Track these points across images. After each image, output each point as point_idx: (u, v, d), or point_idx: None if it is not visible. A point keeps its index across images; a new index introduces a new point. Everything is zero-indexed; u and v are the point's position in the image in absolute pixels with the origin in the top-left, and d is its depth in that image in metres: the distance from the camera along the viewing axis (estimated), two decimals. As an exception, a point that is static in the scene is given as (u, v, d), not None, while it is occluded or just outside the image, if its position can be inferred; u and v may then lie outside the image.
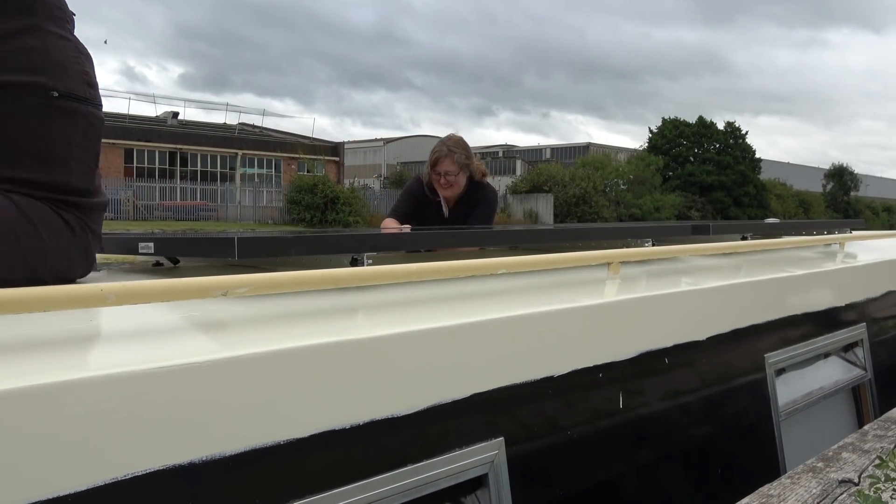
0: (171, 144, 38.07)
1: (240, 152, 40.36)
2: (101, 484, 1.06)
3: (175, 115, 43.95)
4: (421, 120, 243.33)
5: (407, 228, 3.61)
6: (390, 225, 3.69)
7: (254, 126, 47.59)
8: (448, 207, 3.78)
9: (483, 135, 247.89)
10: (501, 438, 1.64)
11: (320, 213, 34.05)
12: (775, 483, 1.71)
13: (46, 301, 1.18)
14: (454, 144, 3.67)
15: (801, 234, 3.95)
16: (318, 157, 41.61)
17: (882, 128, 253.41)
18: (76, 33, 1.74)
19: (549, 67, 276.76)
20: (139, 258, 2.31)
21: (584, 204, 40.17)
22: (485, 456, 1.60)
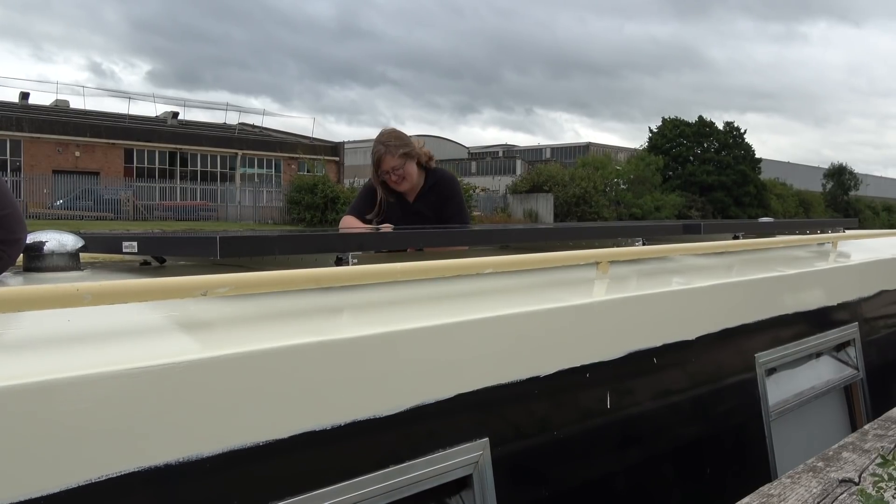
0: (171, 144, 38.03)
1: (240, 152, 40.33)
2: (74, 486, 1.05)
3: (175, 115, 43.94)
4: (404, 118, 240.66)
5: (356, 222, 3.52)
6: (351, 223, 3.56)
7: (254, 126, 47.56)
8: (409, 201, 3.65)
9: (470, 133, 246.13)
10: (486, 439, 1.63)
11: (320, 213, 34.06)
12: (776, 483, 1.71)
13: (21, 301, 1.18)
14: (388, 138, 3.56)
15: (793, 234, 3.94)
16: (318, 157, 41.59)
17: (872, 126, 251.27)
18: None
19: (525, 63, 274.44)
20: (126, 257, 2.30)
21: (584, 204, 40.11)
22: (469, 456, 1.59)
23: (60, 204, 31.85)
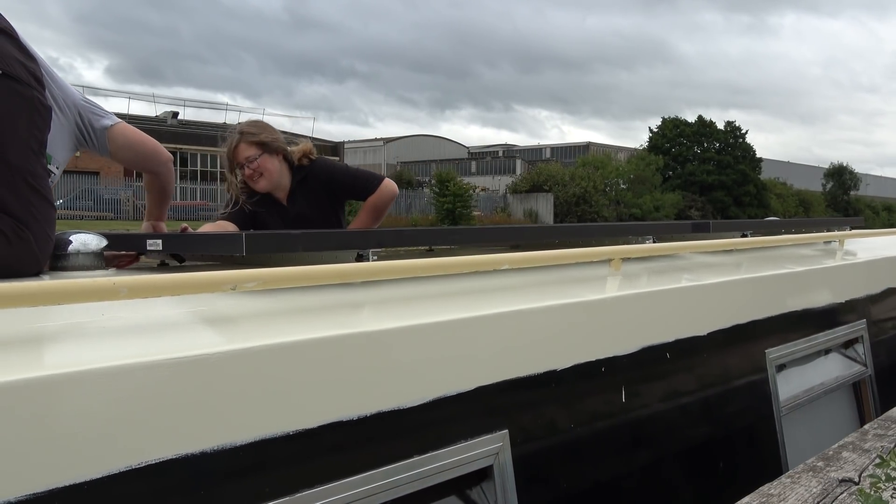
0: (171, 144, 38.10)
1: (240, 152, 40.33)
2: (115, 472, 1.08)
3: (175, 114, 44.01)
4: (383, 114, 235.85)
5: (231, 227, 3.00)
6: (225, 227, 3.01)
7: (254, 126, 47.49)
8: (284, 205, 3.11)
9: (452, 129, 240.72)
10: (506, 431, 1.66)
11: (320, 213, 34.08)
12: (775, 482, 1.73)
13: (60, 294, 1.21)
14: (245, 126, 3.08)
15: (800, 233, 3.97)
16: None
17: (860, 123, 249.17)
18: None
19: (492, 57, 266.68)
20: (143, 257, 2.33)
21: (584, 203, 40.13)
22: (489, 448, 1.62)
23: (60, 204, 31.80)
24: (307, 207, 3.09)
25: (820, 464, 1.84)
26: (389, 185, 3.18)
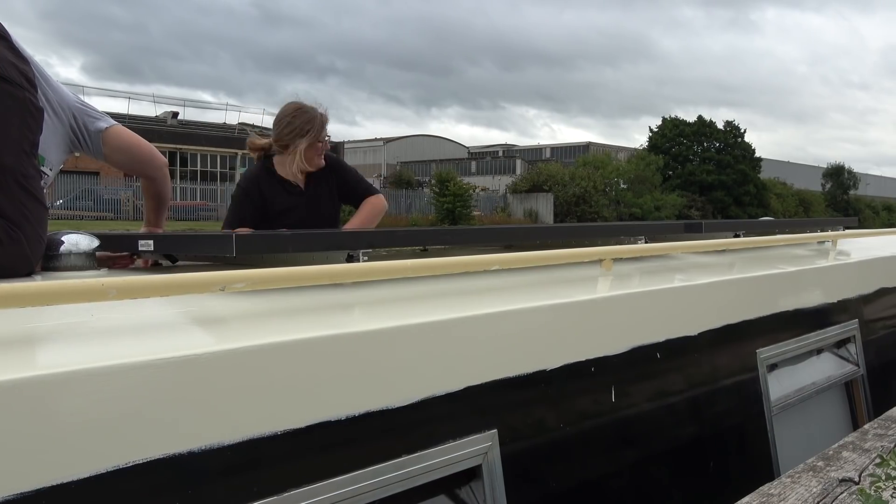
0: (171, 144, 38.09)
1: (240, 152, 40.32)
2: (102, 472, 1.09)
3: (175, 114, 44.02)
4: (371, 114, 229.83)
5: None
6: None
7: (254, 126, 47.60)
8: (302, 188, 3.37)
9: (441, 128, 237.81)
10: (495, 431, 1.67)
11: (320, 213, 34.06)
12: (776, 482, 1.73)
13: (48, 295, 1.22)
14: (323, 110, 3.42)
15: (794, 233, 3.98)
16: (318, 157, 41.55)
17: (853, 121, 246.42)
18: None
19: (473, 53, 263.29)
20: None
21: (584, 203, 40.13)
22: (478, 448, 1.63)
23: (60, 204, 31.80)
24: (324, 192, 3.39)
25: (820, 463, 1.84)
26: (383, 198, 3.55)
